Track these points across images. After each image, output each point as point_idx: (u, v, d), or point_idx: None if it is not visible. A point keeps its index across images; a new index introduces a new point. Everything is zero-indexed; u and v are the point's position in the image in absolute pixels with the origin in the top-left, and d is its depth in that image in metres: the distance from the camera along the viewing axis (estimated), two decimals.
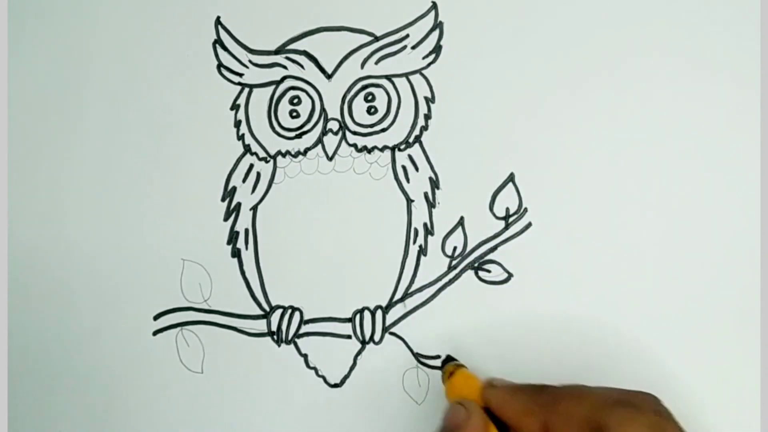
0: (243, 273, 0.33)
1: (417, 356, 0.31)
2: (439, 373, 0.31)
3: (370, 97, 0.32)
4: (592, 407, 0.23)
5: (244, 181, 0.33)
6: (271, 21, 0.33)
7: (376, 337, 0.32)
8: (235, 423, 0.32)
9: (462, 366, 0.29)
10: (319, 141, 0.33)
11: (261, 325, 0.32)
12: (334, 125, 0.33)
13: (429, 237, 0.32)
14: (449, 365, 0.29)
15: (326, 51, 0.33)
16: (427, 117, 0.32)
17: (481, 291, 0.31)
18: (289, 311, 0.32)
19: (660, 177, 0.30)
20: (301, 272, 0.32)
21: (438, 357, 0.31)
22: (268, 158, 0.33)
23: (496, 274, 0.31)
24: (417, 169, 0.32)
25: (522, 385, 0.26)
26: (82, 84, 0.34)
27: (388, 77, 0.32)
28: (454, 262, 0.31)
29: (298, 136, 0.33)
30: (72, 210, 0.34)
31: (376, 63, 0.32)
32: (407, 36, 0.32)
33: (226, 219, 0.33)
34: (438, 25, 0.32)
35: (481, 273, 0.31)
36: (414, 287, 0.32)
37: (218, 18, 0.34)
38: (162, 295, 0.33)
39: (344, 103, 0.33)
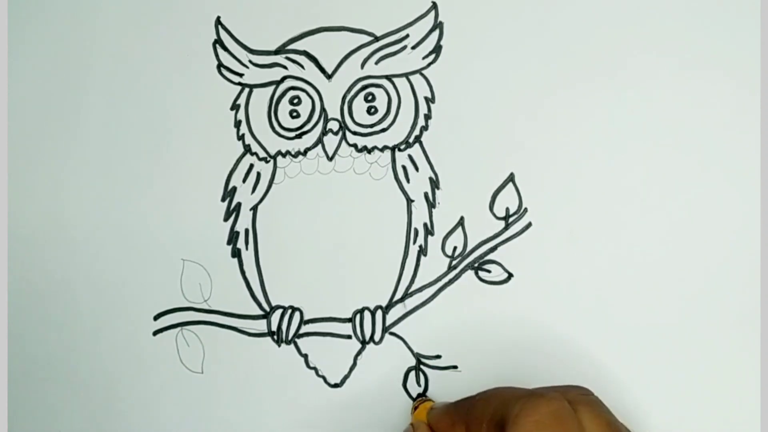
0: (243, 273, 0.33)
1: (417, 356, 0.31)
2: (438, 372, 0.31)
3: (370, 97, 0.32)
4: (499, 404, 0.24)
5: (244, 181, 0.33)
6: (271, 21, 0.33)
7: (376, 337, 0.32)
8: (235, 423, 0.32)
9: (429, 401, 0.30)
10: (319, 141, 0.33)
11: (261, 325, 0.32)
12: (334, 125, 0.33)
13: (429, 237, 0.32)
14: (417, 401, 0.30)
15: (326, 51, 0.33)
16: (427, 117, 0.32)
17: (481, 291, 0.31)
18: (289, 311, 0.32)
19: (660, 177, 0.30)
20: (301, 272, 0.32)
21: (438, 357, 0.31)
22: (268, 158, 0.33)
23: (496, 274, 0.31)
24: (417, 169, 0.32)
25: (452, 402, 0.28)
26: (82, 84, 0.34)
27: (388, 77, 0.32)
28: (454, 262, 0.32)
29: (298, 136, 0.33)
30: (72, 210, 0.34)
31: (376, 63, 0.33)
32: (407, 36, 0.32)
33: (226, 219, 0.33)
34: (438, 25, 0.32)
35: (481, 273, 0.31)
36: (414, 287, 0.32)
37: (218, 18, 0.34)
38: (162, 295, 0.33)
39: (344, 103, 0.33)
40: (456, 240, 0.32)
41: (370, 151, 0.32)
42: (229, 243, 0.33)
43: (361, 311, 0.32)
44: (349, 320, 0.32)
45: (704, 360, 0.30)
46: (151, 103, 0.34)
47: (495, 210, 0.31)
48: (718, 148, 0.30)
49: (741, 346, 0.29)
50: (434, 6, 0.32)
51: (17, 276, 0.34)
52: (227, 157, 0.33)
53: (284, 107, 0.33)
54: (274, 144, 0.33)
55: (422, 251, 0.32)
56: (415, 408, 0.30)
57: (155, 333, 0.33)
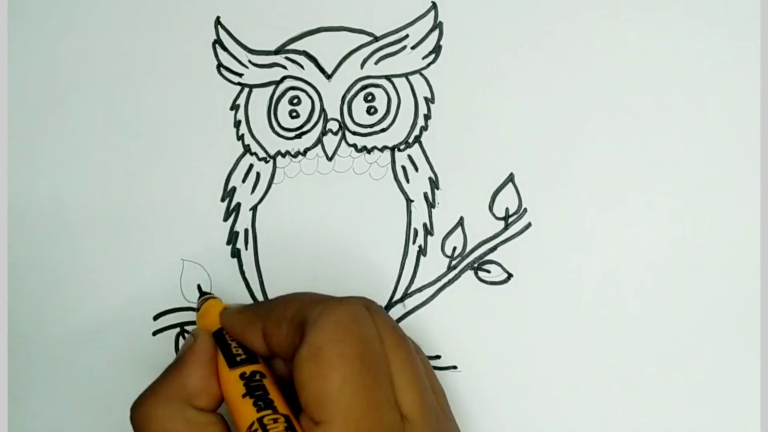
0: (243, 273, 0.33)
1: None
2: (438, 372, 0.31)
3: (369, 98, 0.32)
4: (300, 306, 0.24)
5: (243, 181, 0.33)
6: (271, 21, 0.33)
7: None
8: None
9: (214, 298, 0.30)
10: (319, 141, 0.33)
11: None
12: (333, 125, 0.33)
13: (429, 237, 0.32)
14: (200, 300, 0.31)
15: (326, 51, 0.33)
16: (427, 117, 0.32)
17: (481, 291, 0.31)
18: None
19: (660, 177, 0.30)
20: (301, 272, 0.32)
21: (438, 357, 0.31)
22: (268, 158, 0.33)
23: (496, 274, 0.31)
24: (417, 169, 0.32)
25: (248, 304, 0.29)
26: (81, 84, 0.34)
27: (388, 77, 0.32)
28: (453, 263, 0.32)
29: (298, 137, 0.33)
30: (71, 210, 0.34)
31: (376, 63, 0.32)
32: (407, 36, 0.32)
33: (225, 219, 0.33)
34: (438, 25, 0.32)
35: (480, 273, 0.31)
36: (414, 287, 0.32)
37: (218, 18, 0.34)
38: (162, 295, 0.33)
39: (344, 103, 0.33)
40: (455, 240, 0.32)
41: (369, 151, 0.32)
42: (228, 243, 0.33)
43: None
44: None
45: (704, 360, 0.30)
46: (150, 103, 0.34)
47: (494, 210, 0.31)
48: (719, 149, 0.30)
49: (741, 346, 0.29)
50: (434, 6, 0.32)
51: (16, 275, 0.34)
52: (227, 157, 0.33)
53: (284, 107, 0.33)
54: (273, 144, 0.33)
55: (422, 251, 0.32)
56: (198, 308, 0.30)
57: (155, 333, 0.33)
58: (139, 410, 0.25)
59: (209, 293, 0.32)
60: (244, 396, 0.24)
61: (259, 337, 0.26)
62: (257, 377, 0.25)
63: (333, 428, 0.22)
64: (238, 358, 0.26)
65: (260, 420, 0.23)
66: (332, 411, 0.22)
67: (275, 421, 0.23)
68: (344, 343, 0.22)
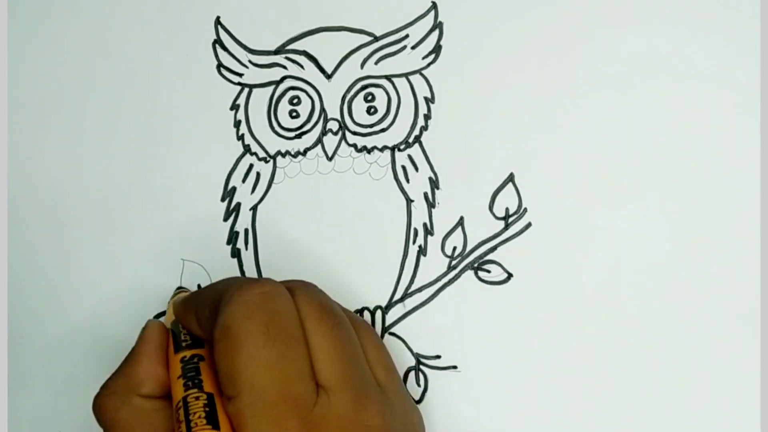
0: (243, 273, 0.33)
1: (417, 356, 0.31)
2: (438, 372, 0.31)
3: (369, 97, 0.32)
4: (221, 288, 0.25)
5: (243, 181, 0.33)
6: (271, 21, 0.33)
7: None
8: None
9: (185, 291, 0.31)
10: (319, 141, 0.33)
11: None
12: (333, 125, 0.33)
13: (429, 237, 0.32)
14: (175, 292, 0.31)
15: (326, 51, 0.33)
16: (427, 117, 0.32)
17: (481, 291, 0.31)
18: None
19: (660, 176, 0.30)
20: (301, 273, 0.32)
21: (438, 357, 0.31)
22: (268, 158, 0.33)
23: (496, 274, 0.31)
24: (417, 169, 0.32)
25: (192, 291, 0.30)
26: (80, 84, 0.34)
27: (388, 77, 0.32)
28: (453, 263, 0.32)
29: (298, 136, 0.33)
30: (71, 209, 0.34)
31: (376, 63, 0.32)
32: (407, 36, 0.32)
33: (225, 219, 0.33)
34: (438, 25, 0.32)
35: (480, 273, 0.31)
36: (414, 287, 0.32)
37: (218, 18, 0.34)
38: (162, 295, 0.33)
39: (344, 103, 0.33)
40: (456, 240, 0.32)
41: (369, 151, 0.32)
42: (228, 243, 0.33)
43: (360, 311, 0.32)
44: None
45: (705, 360, 0.30)
46: (150, 103, 0.34)
47: (495, 210, 0.31)
48: (718, 149, 0.30)
49: (741, 346, 0.29)
50: (434, 6, 0.32)
51: (15, 275, 0.34)
52: (227, 157, 0.33)
53: (284, 107, 0.33)
54: (273, 144, 0.33)
55: (422, 251, 0.32)
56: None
57: None
58: (94, 404, 0.26)
59: (183, 288, 0.32)
60: (178, 378, 0.25)
61: (195, 323, 0.26)
62: (195, 360, 0.26)
63: (240, 402, 0.23)
64: (184, 344, 0.27)
65: (185, 398, 0.24)
66: (240, 386, 0.23)
67: (197, 399, 0.24)
68: (250, 320, 0.23)
